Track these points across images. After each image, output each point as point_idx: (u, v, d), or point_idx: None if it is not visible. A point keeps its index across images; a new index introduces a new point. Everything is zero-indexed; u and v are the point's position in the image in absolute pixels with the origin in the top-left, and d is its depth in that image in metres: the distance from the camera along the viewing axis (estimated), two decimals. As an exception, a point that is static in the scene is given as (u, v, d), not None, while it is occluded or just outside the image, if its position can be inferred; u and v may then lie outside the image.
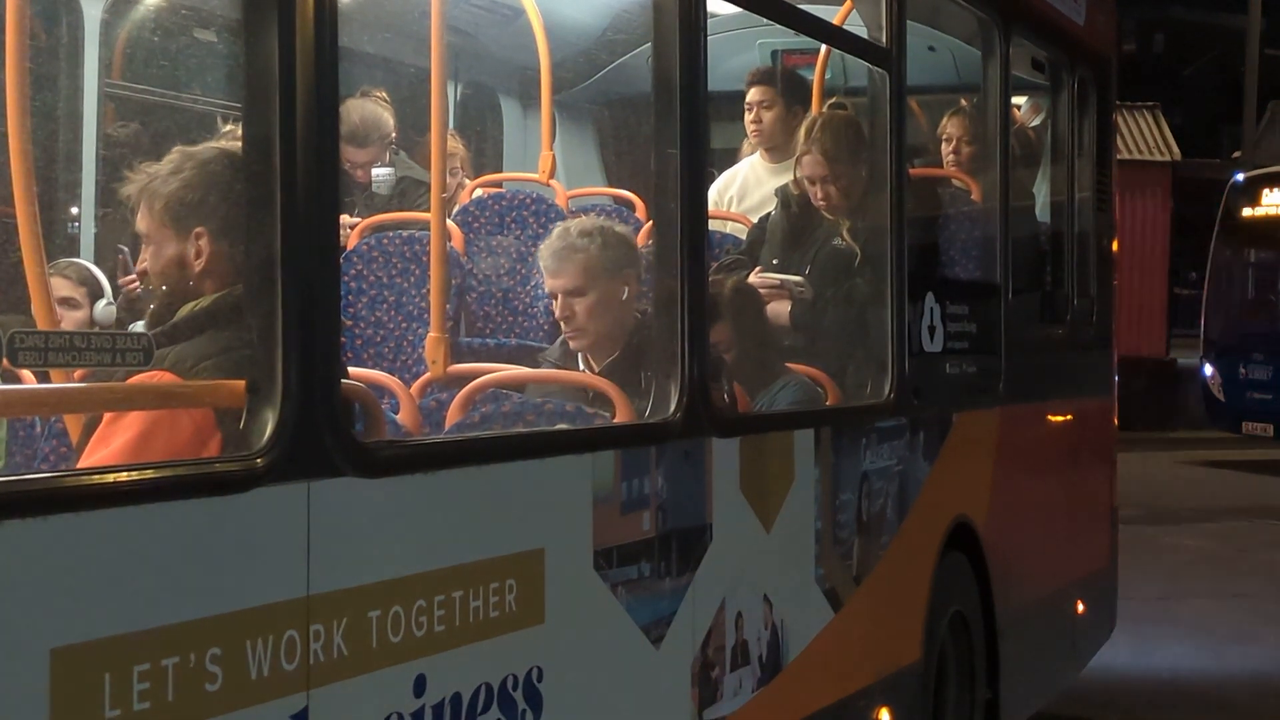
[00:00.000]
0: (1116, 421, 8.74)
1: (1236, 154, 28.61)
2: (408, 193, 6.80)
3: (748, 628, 4.68)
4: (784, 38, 7.46)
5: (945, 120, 7.26)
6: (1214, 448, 22.07)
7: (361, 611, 3.13)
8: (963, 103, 7.34)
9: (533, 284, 6.43)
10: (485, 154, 8.10)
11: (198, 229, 3.51)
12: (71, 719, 2.51)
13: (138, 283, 4.67)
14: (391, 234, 6.36)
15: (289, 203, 2.96)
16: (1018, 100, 7.76)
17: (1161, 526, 14.69)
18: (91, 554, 2.58)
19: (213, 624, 2.79)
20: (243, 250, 3.13)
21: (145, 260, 3.57)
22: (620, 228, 5.07)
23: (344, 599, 3.09)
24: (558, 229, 4.99)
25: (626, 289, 4.81)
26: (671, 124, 4.38)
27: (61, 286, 5.38)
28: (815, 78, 7.06)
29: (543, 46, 6.78)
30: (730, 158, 7.47)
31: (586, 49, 7.68)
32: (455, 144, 7.05)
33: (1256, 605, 11.52)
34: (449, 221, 6.23)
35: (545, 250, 4.94)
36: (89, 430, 3.32)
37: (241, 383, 2.96)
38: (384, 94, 7.14)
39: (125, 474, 2.70)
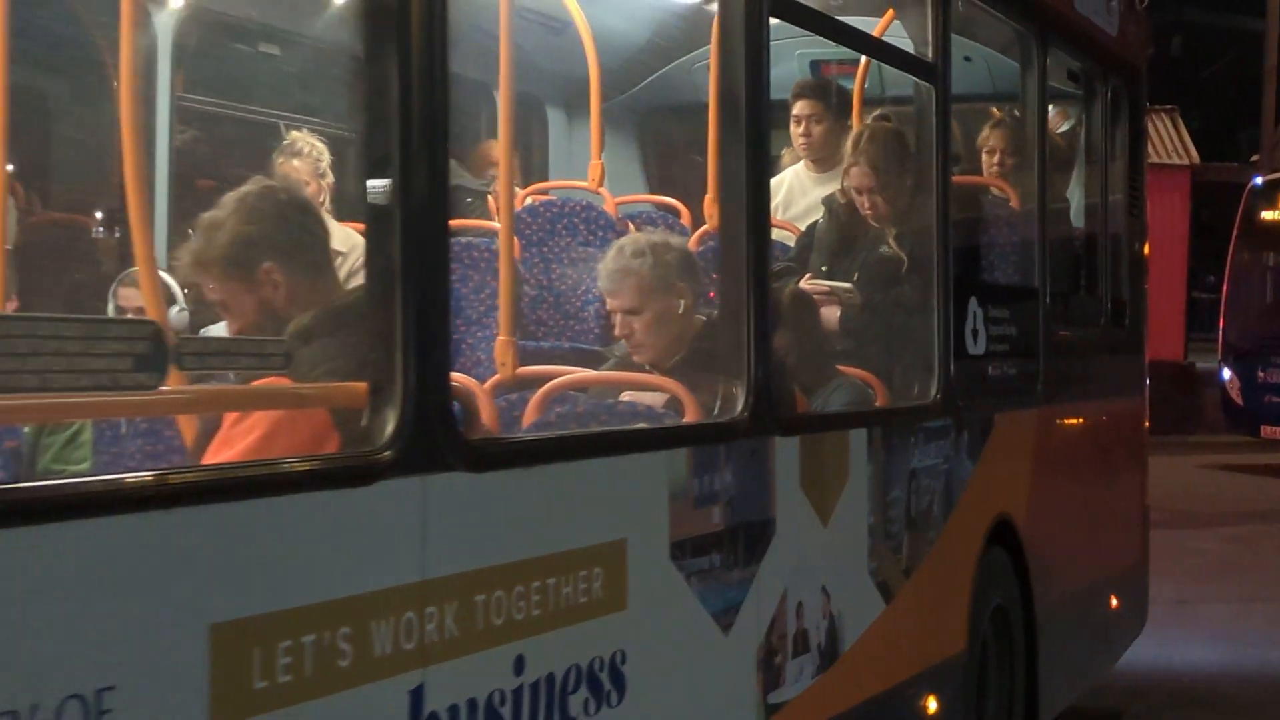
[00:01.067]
0: (1148, 422, 8.96)
1: (1255, 157, 28.70)
2: (458, 202, 7.03)
3: (807, 617, 4.91)
4: (822, 49, 7.67)
5: (985, 130, 7.49)
6: (1232, 452, 22.11)
7: (470, 596, 3.38)
8: (999, 113, 7.57)
9: (584, 289, 6.65)
10: (532, 162, 8.33)
11: (265, 265, 3.73)
12: (227, 687, 2.76)
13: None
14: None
15: (407, 218, 3.20)
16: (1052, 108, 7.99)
17: (1180, 531, 14.76)
18: (241, 539, 2.83)
19: (343, 605, 3.04)
20: (354, 264, 3.37)
21: (234, 328, 3.76)
22: (673, 241, 5.28)
23: (455, 584, 3.33)
24: (613, 249, 5.20)
25: (682, 302, 4.99)
26: (737, 135, 4.62)
27: (135, 296, 5.64)
28: (855, 87, 7.28)
29: (592, 58, 6.99)
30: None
31: (628, 60, 7.90)
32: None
33: (1277, 610, 11.66)
34: (494, 224, 6.44)
35: (602, 271, 5.15)
36: (206, 433, 3.56)
37: (364, 385, 3.21)
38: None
39: (267, 468, 2.96)
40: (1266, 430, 21.00)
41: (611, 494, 3.97)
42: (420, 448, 3.21)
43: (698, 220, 6.94)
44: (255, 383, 3.36)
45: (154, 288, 3.87)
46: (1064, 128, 8.31)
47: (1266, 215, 21.65)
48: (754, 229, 4.62)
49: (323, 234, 3.87)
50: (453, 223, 6.66)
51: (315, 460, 3.17)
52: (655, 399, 4.78)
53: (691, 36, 7.94)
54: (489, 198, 7.24)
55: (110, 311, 5.69)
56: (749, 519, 4.58)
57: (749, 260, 4.58)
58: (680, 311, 4.99)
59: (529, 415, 4.62)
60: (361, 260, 4.00)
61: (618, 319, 5.05)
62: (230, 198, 3.78)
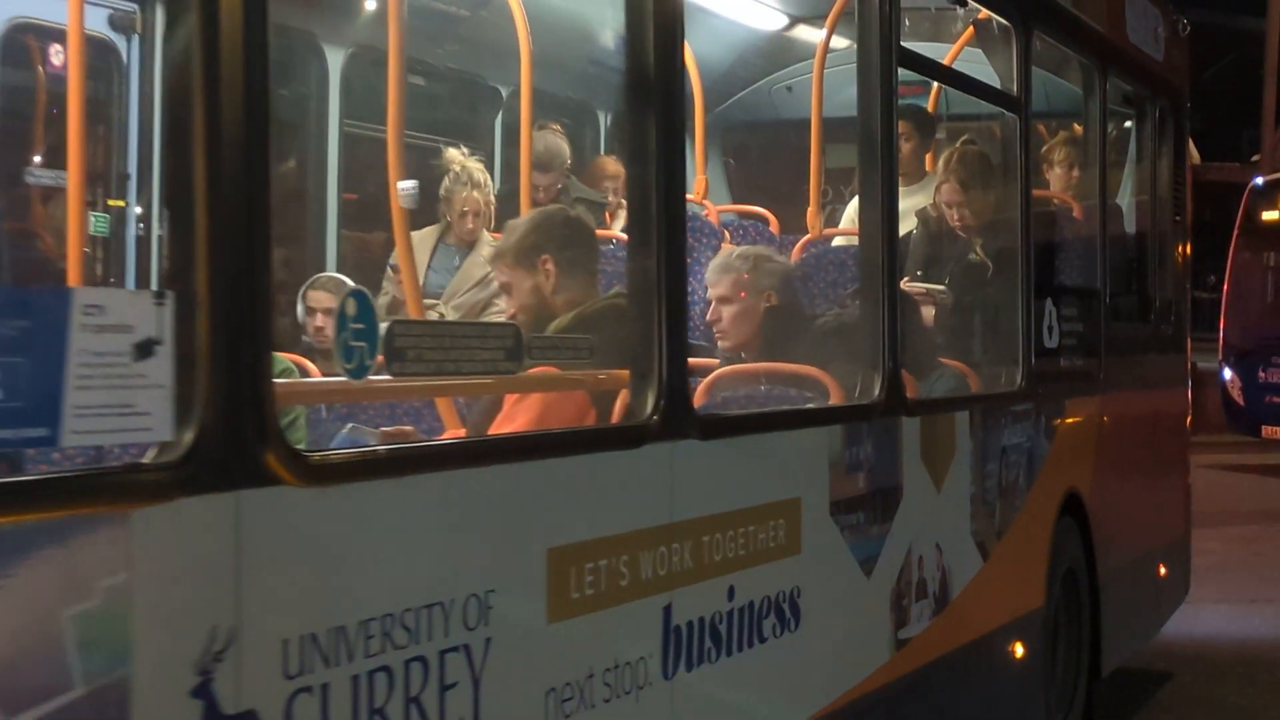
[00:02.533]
0: (1190, 408, 9.90)
1: (1256, 157, 29.14)
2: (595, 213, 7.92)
3: (926, 569, 5.86)
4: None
5: (1051, 147, 8.42)
6: (1233, 452, 21.82)
7: (699, 537, 4.32)
8: (1064, 131, 8.51)
9: (690, 290, 7.58)
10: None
11: (543, 257, 4.72)
12: (556, 595, 3.70)
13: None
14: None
15: (665, 235, 4.15)
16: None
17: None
18: (563, 485, 3.78)
19: (622, 539, 3.99)
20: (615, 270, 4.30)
21: (512, 305, 4.76)
22: (775, 256, 6.20)
23: (691, 527, 4.28)
24: (725, 251, 6.14)
25: (764, 305, 5.90)
26: (874, 165, 5.56)
27: (323, 299, 6.58)
28: (929, 104, 8.20)
29: (695, 82, 7.89)
30: (848, 177, 8.62)
31: (717, 80, 8.78)
32: (616, 166, 8.18)
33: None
34: (619, 234, 7.34)
35: (711, 266, 6.11)
36: (488, 411, 4.51)
37: (627, 371, 4.15)
38: (558, 126, 8.32)
39: (576, 434, 3.91)
40: (1267, 430, 21.08)
41: (792, 460, 4.92)
42: (670, 420, 4.15)
43: (785, 228, 7.89)
44: (535, 369, 4.31)
45: (415, 292, 4.84)
46: (1118, 143, 9.23)
47: (1267, 215, 21.67)
48: (888, 242, 5.56)
49: (591, 246, 4.88)
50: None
51: (606, 429, 4.12)
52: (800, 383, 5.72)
53: (772, 61, 8.89)
54: (605, 210, 8.15)
55: (299, 311, 6.61)
56: (884, 485, 5.52)
57: (884, 267, 5.52)
58: (762, 311, 5.89)
59: (697, 399, 5.55)
60: None
61: (712, 305, 5.97)
62: (531, 213, 4.79)
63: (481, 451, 3.64)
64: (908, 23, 6.63)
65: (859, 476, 5.34)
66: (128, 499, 2.62)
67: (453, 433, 4.71)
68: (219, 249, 2.76)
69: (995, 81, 6.97)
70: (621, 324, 4.28)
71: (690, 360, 5.76)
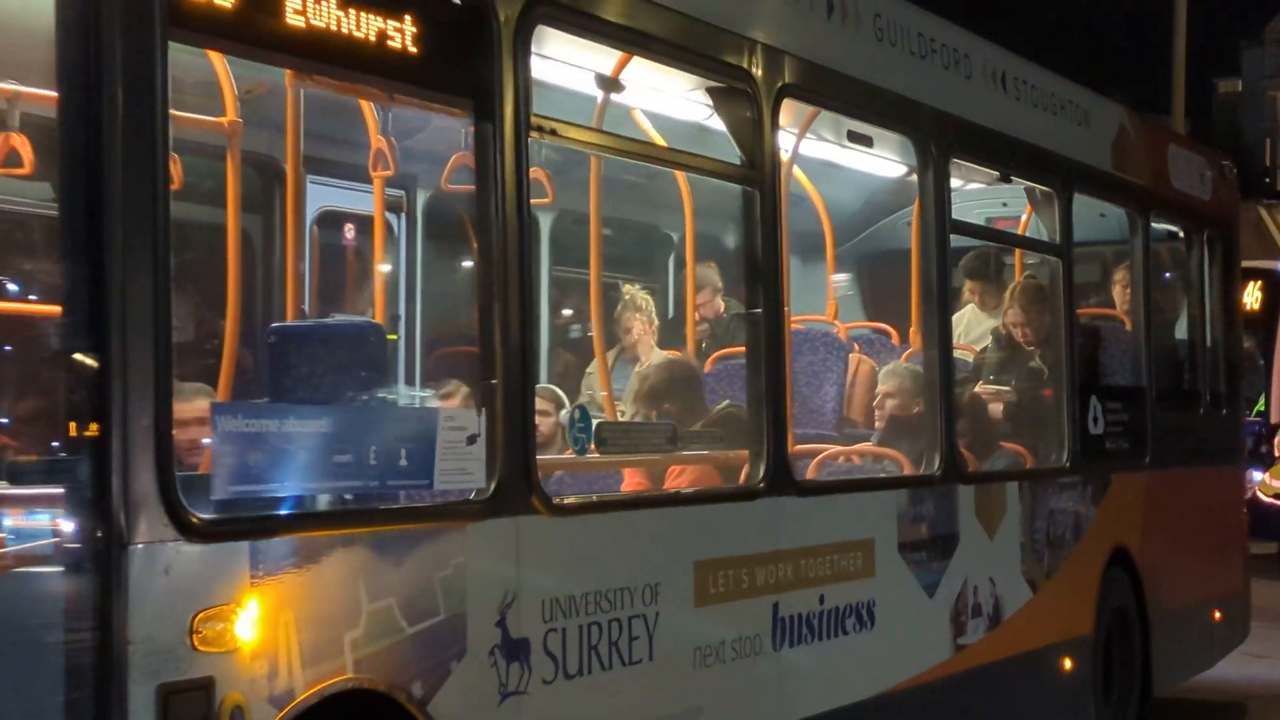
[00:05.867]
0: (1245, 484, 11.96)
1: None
2: (735, 330, 10.19)
3: (981, 595, 8.06)
4: (992, 210, 10.81)
5: (1110, 270, 10.61)
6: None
7: (799, 560, 6.60)
8: (1116, 260, 10.69)
9: (824, 391, 9.83)
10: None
11: (663, 405, 7.07)
12: (700, 590, 6.01)
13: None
14: (729, 361, 9.79)
15: (766, 354, 6.46)
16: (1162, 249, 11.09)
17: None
18: (704, 522, 6.10)
19: (743, 559, 6.28)
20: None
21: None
22: (916, 370, 8.40)
23: (791, 553, 6.56)
24: (893, 365, 8.39)
25: (906, 401, 8.18)
26: (931, 303, 7.82)
27: (541, 403, 8.93)
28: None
29: (826, 222, 10.12)
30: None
31: (854, 215, 10.98)
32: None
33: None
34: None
35: (884, 372, 8.36)
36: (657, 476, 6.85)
37: (747, 452, 6.47)
38: (713, 263, 10.62)
39: (715, 491, 6.26)
40: None
41: (867, 512, 7.20)
42: (774, 483, 6.44)
43: (903, 339, 10.13)
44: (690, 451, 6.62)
45: (609, 399, 7.22)
46: (1173, 264, 11.38)
47: None
48: (944, 365, 7.82)
49: (693, 381, 7.18)
50: (730, 350, 9.89)
51: (733, 489, 6.45)
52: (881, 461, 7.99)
53: (898, 199, 11.12)
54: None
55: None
56: (943, 532, 7.76)
57: (940, 381, 7.78)
58: (902, 404, 8.17)
59: (810, 472, 7.84)
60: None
61: (879, 396, 8.22)
62: (656, 361, 7.10)
63: (656, 499, 6.01)
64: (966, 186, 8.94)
65: (922, 525, 7.59)
66: (464, 518, 5.00)
67: (637, 487, 7.06)
68: (508, 376, 5.13)
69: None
70: (739, 422, 6.61)
71: (801, 448, 8.13)
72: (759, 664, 6.35)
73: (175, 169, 5.82)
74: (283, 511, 4.44)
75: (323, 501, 4.69)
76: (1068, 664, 8.98)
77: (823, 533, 6.85)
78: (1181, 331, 11.26)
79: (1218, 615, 11.19)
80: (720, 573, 6.15)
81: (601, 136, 6.16)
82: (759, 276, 6.63)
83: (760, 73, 6.59)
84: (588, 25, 5.79)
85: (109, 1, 3.99)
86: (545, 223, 10.09)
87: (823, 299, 10.08)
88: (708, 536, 6.14)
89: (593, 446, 5.79)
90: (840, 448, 8.03)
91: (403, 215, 9.26)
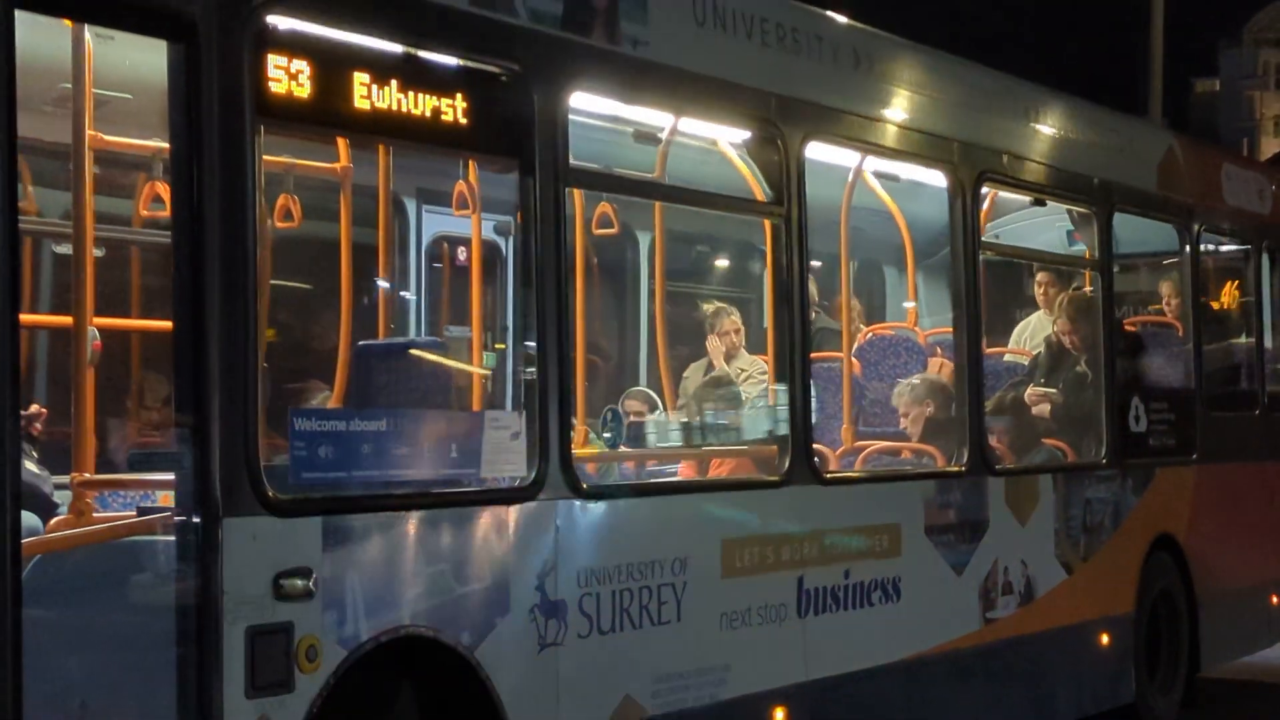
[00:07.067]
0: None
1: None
2: (824, 340, 11.20)
3: (1012, 574, 9.04)
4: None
5: (1162, 280, 11.51)
6: None
7: (823, 539, 7.65)
8: (1168, 270, 11.57)
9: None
10: (873, 307, 12.50)
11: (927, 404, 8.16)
12: (727, 564, 7.10)
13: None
14: (817, 365, 10.84)
15: (799, 375, 7.54)
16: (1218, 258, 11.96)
17: None
18: (732, 504, 7.20)
19: (769, 537, 7.35)
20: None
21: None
22: (946, 382, 9.41)
23: (816, 533, 7.61)
24: (919, 376, 9.43)
25: (927, 410, 9.20)
26: (962, 317, 8.83)
27: (635, 406, 10.06)
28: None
29: (906, 238, 11.09)
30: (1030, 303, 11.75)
31: (936, 233, 11.95)
32: (855, 302, 11.44)
33: None
34: (851, 357, 10.62)
35: (915, 381, 9.41)
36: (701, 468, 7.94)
37: (775, 447, 7.55)
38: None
39: (745, 480, 7.36)
40: None
41: (893, 500, 8.24)
42: (798, 473, 7.51)
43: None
44: (726, 446, 7.71)
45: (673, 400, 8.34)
46: (1229, 271, 12.24)
47: None
48: (974, 374, 8.82)
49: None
50: (821, 355, 10.94)
51: (763, 479, 7.53)
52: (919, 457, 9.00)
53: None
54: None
55: (619, 409, 10.09)
56: (971, 517, 8.75)
57: (969, 387, 8.78)
58: (930, 414, 9.17)
59: (858, 464, 8.87)
60: (763, 376, 8.34)
61: (906, 403, 9.26)
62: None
63: (687, 486, 7.14)
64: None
65: (949, 510, 8.60)
66: (510, 501, 6.15)
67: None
68: (561, 379, 6.27)
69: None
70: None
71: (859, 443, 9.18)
72: (784, 629, 7.43)
73: (294, 208, 7.19)
74: (348, 493, 5.61)
75: (385, 485, 5.83)
76: (1105, 639, 9.90)
77: (846, 516, 7.89)
78: (1240, 336, 12.11)
79: (1275, 599, 12.01)
80: (747, 549, 7.23)
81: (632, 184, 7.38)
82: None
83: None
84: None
85: (209, 101, 5.18)
86: (644, 242, 11.15)
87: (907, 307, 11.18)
88: (736, 518, 7.22)
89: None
90: (881, 443, 9.07)
91: (510, 238, 10.43)
